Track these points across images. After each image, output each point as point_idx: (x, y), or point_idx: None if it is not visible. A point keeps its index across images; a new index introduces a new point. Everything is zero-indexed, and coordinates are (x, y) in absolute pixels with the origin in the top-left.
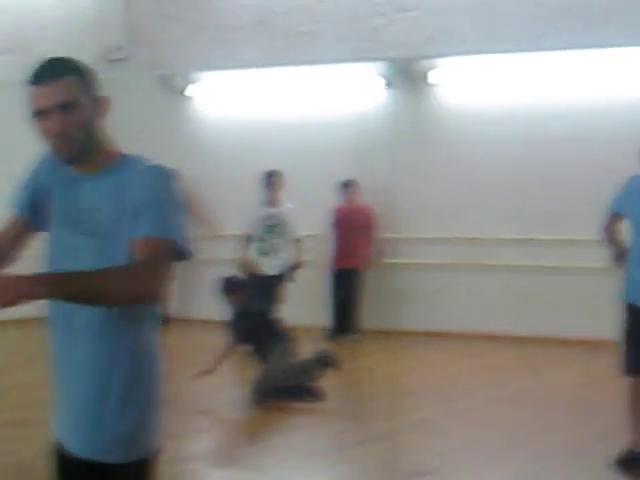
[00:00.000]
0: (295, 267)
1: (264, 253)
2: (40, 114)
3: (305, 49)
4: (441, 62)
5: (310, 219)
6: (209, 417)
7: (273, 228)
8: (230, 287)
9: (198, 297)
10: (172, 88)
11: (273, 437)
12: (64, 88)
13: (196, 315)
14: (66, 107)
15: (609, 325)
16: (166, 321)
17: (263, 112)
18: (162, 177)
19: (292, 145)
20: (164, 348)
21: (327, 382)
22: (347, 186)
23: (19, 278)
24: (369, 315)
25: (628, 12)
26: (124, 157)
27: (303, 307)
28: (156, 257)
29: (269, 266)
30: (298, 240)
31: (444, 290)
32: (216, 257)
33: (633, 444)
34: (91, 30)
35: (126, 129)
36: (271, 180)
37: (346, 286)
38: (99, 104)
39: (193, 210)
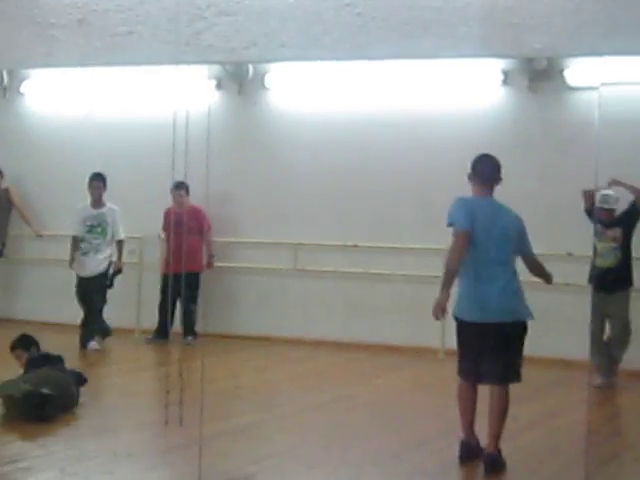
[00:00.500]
0: (116, 270)
1: (85, 253)
2: None
3: (125, 50)
4: (272, 67)
5: (136, 221)
6: None
7: (94, 228)
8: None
9: (21, 297)
10: None
11: (86, 442)
12: None
13: (18, 315)
14: None
15: (434, 333)
16: None
17: (91, 111)
18: None
19: (120, 146)
20: None
21: (143, 383)
22: (177, 188)
23: None
24: (201, 318)
25: (445, 25)
26: None
27: (125, 309)
28: None
29: (89, 266)
30: (120, 241)
31: (271, 295)
32: (39, 256)
33: (466, 439)
34: None
35: None
36: (93, 182)
37: (178, 289)
38: None
39: (17, 209)
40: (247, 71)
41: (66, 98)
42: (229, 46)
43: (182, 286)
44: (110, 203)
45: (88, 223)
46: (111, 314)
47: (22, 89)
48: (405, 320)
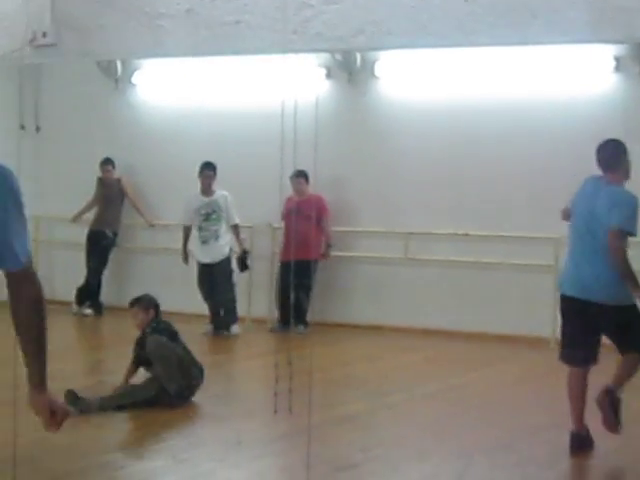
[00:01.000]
0: (243, 252)
1: (204, 241)
2: None
3: (232, 39)
4: (382, 55)
5: (246, 210)
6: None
7: (210, 216)
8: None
9: (134, 285)
10: (109, 75)
11: (197, 429)
12: None
13: None
14: None
15: (545, 322)
16: (99, 309)
17: (202, 101)
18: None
19: (230, 135)
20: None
21: (254, 371)
22: (297, 176)
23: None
24: (313, 307)
25: (554, 10)
26: None
27: (246, 298)
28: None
29: (211, 253)
30: (236, 225)
31: (382, 284)
32: (151, 245)
33: (576, 430)
34: (17, 16)
35: (58, 115)
36: (204, 171)
37: (295, 277)
38: None
39: (129, 199)
40: (355, 60)
41: (177, 88)
42: (337, 34)
43: (301, 274)
44: (220, 190)
45: (203, 211)
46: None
47: (134, 80)
48: (516, 309)
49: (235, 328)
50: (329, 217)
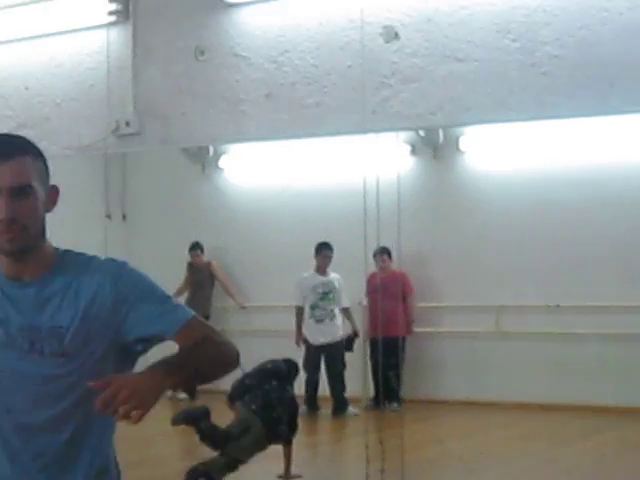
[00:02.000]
0: (353, 335)
1: (319, 320)
2: None
3: (312, 121)
4: (467, 129)
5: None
6: None
7: (326, 295)
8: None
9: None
10: (195, 160)
11: None
12: (21, 168)
13: (227, 387)
14: (23, 190)
15: None
16: (193, 393)
17: (288, 183)
18: (128, 268)
19: (315, 215)
20: None
21: (351, 453)
22: (380, 253)
23: (150, 377)
24: (405, 384)
25: (632, 79)
26: (61, 255)
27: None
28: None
29: (327, 333)
30: (347, 308)
31: (474, 358)
32: (244, 328)
33: None
34: (100, 105)
35: (144, 202)
36: (323, 251)
37: (383, 354)
38: (50, 193)
39: (220, 282)
40: (439, 135)
41: (263, 170)
42: (415, 112)
43: (389, 351)
44: (333, 272)
45: (320, 290)
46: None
47: (220, 163)
48: (611, 380)
49: (351, 409)
50: (414, 293)
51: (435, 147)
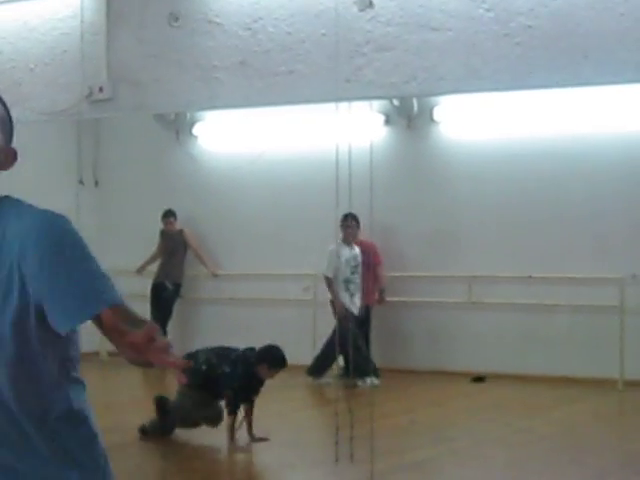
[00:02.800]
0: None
1: (353, 294)
2: None
3: (286, 89)
4: (441, 100)
5: (309, 258)
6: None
7: (356, 268)
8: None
9: (198, 336)
10: (169, 127)
11: (264, 476)
12: None
13: None
14: None
15: (612, 363)
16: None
17: (260, 151)
18: (58, 228)
19: (287, 184)
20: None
21: (321, 421)
22: (346, 220)
23: (150, 330)
24: (376, 353)
25: (606, 50)
26: (2, 198)
27: (300, 345)
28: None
29: (357, 306)
30: None
31: (445, 328)
32: (215, 296)
33: None
34: (74, 71)
35: (117, 169)
36: (347, 220)
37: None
38: (6, 151)
39: (192, 250)
40: (412, 105)
41: (236, 138)
42: (389, 81)
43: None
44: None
45: (352, 264)
46: (286, 350)
47: (194, 131)
48: (582, 351)
49: (372, 380)
50: (382, 263)
51: (409, 117)
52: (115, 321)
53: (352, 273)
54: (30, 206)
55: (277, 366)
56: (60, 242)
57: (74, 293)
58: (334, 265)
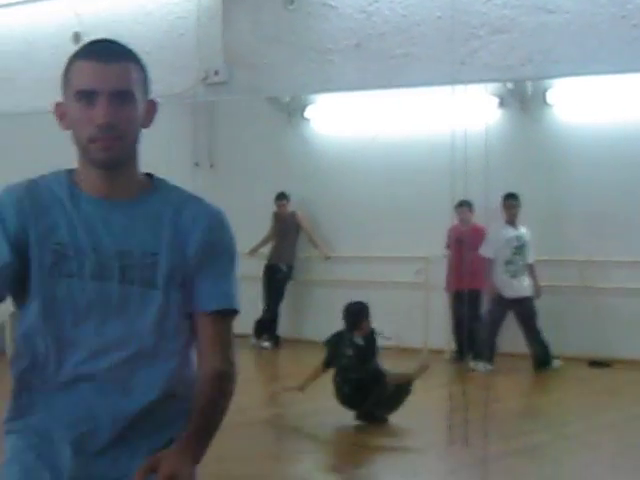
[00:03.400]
0: (537, 295)
1: (514, 275)
2: (88, 96)
3: (401, 72)
4: (555, 82)
5: (420, 241)
6: (312, 438)
7: (519, 250)
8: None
9: (310, 317)
10: (281, 110)
11: (377, 459)
12: (124, 73)
13: (307, 336)
14: (124, 96)
15: None
16: (276, 342)
17: (372, 133)
18: (227, 225)
19: (402, 166)
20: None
21: (424, 404)
22: (461, 206)
23: (189, 463)
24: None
25: None
26: (158, 182)
27: (413, 329)
28: (228, 341)
29: (520, 288)
30: (532, 265)
31: (560, 313)
32: (327, 278)
33: None
34: (190, 54)
35: (231, 151)
36: (509, 201)
37: (464, 308)
38: (148, 107)
39: (304, 232)
40: (527, 88)
41: (349, 121)
42: (505, 64)
43: (470, 304)
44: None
45: (514, 244)
46: (401, 334)
47: (307, 114)
48: None
49: (557, 362)
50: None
51: (523, 100)
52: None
53: (514, 254)
54: (191, 194)
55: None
56: (225, 236)
57: (228, 290)
58: (494, 246)
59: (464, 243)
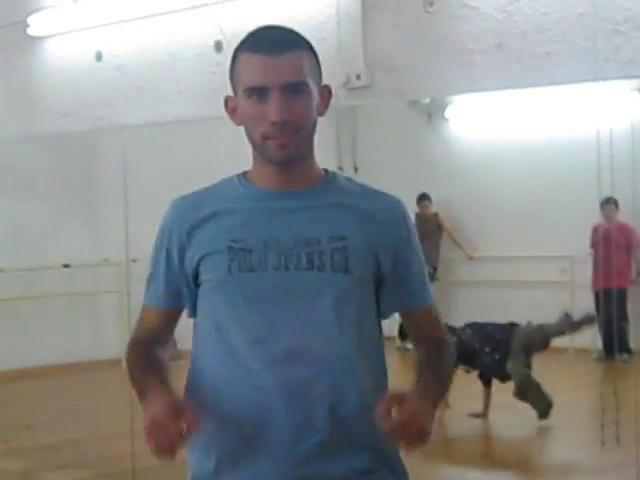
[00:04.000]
0: None
1: None
2: (258, 92)
3: (543, 70)
4: None
5: (566, 239)
6: None
7: None
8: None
9: (454, 318)
10: (421, 111)
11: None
12: (296, 62)
13: None
14: (297, 87)
15: None
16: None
17: (513, 134)
18: (410, 219)
19: (545, 165)
20: None
21: (572, 404)
22: (606, 203)
23: (429, 409)
24: (636, 336)
25: None
26: (332, 173)
27: None
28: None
29: None
30: None
31: None
32: (470, 279)
33: None
34: (331, 59)
35: (374, 154)
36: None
37: (611, 306)
38: (323, 94)
39: (448, 232)
40: None
41: (489, 121)
42: None
43: (615, 302)
44: None
45: None
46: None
47: (446, 114)
48: None
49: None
50: (639, 245)
51: None
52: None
53: None
54: (366, 184)
55: None
56: (412, 228)
57: (422, 280)
58: None
59: (610, 241)
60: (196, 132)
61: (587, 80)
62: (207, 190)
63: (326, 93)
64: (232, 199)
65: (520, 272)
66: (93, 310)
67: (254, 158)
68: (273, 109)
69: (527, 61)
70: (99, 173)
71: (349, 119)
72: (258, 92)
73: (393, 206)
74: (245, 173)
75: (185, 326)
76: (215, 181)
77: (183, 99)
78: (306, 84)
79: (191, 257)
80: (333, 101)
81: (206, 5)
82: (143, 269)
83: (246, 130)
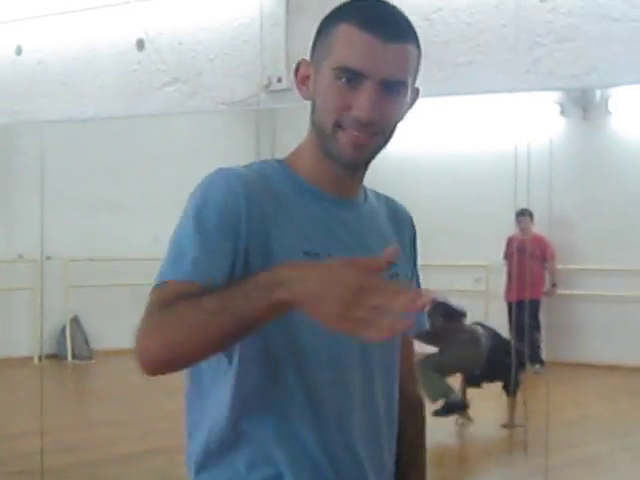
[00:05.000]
0: None
1: None
2: (351, 76)
3: (465, 79)
4: (615, 90)
5: (481, 249)
6: None
7: None
8: None
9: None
10: None
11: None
12: (403, 57)
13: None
14: (394, 86)
15: None
16: None
17: (430, 144)
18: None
19: (464, 174)
20: None
21: (494, 415)
22: (521, 215)
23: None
24: (547, 346)
25: None
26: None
27: None
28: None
29: None
30: None
31: (618, 323)
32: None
33: None
34: (253, 61)
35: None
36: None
37: (524, 317)
38: (414, 98)
39: None
40: (593, 96)
41: (406, 128)
42: (569, 72)
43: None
44: None
45: None
46: None
47: None
48: None
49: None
50: (554, 256)
51: (585, 108)
52: None
53: None
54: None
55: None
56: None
57: None
58: None
59: (525, 252)
60: (115, 130)
61: (508, 90)
62: (256, 173)
63: (415, 97)
64: (287, 194)
65: (435, 280)
66: (6, 307)
67: (308, 147)
68: (363, 103)
69: (449, 70)
70: (15, 168)
71: (269, 122)
72: (350, 75)
73: (404, 211)
74: (285, 161)
75: (98, 326)
76: (140, 179)
77: (104, 96)
78: (405, 85)
79: (265, 251)
80: (254, 103)
81: (128, 2)
82: (58, 266)
83: (314, 109)
